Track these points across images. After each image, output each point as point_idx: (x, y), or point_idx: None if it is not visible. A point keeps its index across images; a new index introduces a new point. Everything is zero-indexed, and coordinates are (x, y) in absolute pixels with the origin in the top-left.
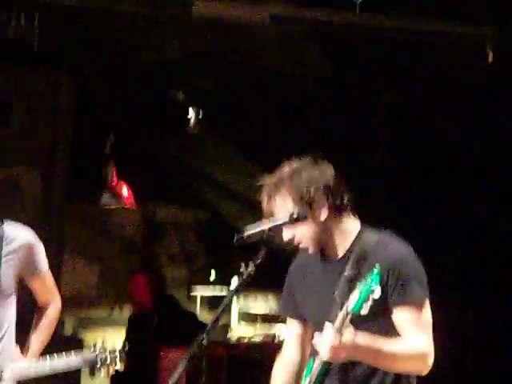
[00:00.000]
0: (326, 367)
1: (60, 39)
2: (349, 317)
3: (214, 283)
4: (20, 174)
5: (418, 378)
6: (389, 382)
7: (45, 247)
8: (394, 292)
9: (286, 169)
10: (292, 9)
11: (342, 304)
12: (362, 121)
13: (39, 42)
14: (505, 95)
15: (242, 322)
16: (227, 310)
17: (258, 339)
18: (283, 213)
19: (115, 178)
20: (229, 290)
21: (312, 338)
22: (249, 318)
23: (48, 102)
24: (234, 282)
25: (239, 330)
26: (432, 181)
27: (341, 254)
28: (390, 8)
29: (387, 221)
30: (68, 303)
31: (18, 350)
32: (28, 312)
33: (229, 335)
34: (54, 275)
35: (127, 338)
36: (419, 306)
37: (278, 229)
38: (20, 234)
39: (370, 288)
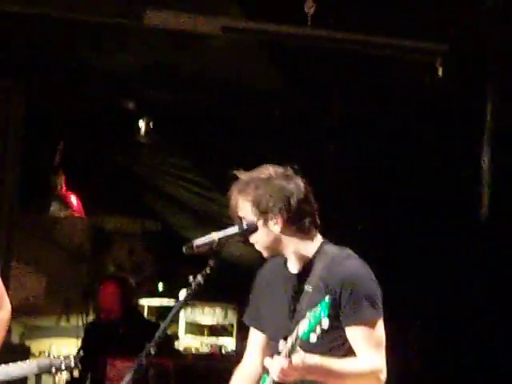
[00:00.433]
0: None
1: (9, 48)
2: (298, 342)
3: (162, 294)
4: None
5: None
6: None
7: None
8: (345, 309)
9: (258, 174)
10: (243, 20)
11: (296, 324)
12: (311, 132)
13: None
14: (453, 108)
15: (189, 333)
16: (175, 320)
17: (204, 350)
18: (242, 213)
19: (64, 188)
20: (177, 300)
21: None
22: (196, 329)
23: None
24: (183, 293)
25: (186, 341)
26: (382, 193)
27: (299, 267)
28: (341, 21)
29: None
30: (15, 312)
31: None
32: None
33: (176, 346)
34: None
35: (85, 346)
36: (370, 324)
37: (229, 239)
38: None
39: (318, 318)
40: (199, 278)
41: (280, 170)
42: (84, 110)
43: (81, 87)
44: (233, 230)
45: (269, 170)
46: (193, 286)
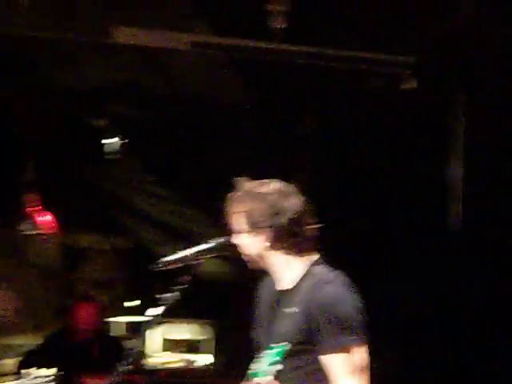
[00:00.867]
0: None
1: None
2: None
3: (135, 311)
4: None
5: None
6: None
7: None
8: (321, 338)
9: (258, 186)
10: (214, 36)
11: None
12: (286, 146)
13: None
14: (421, 120)
15: (163, 349)
16: (148, 336)
17: (178, 366)
18: (234, 221)
19: (36, 205)
20: (150, 316)
21: None
22: (170, 344)
23: None
24: (151, 310)
25: (160, 357)
26: (355, 203)
27: (289, 286)
28: (312, 36)
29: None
30: None
31: None
32: None
33: (149, 362)
34: None
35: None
36: (345, 351)
37: (201, 255)
38: None
39: (273, 362)
40: (172, 294)
41: (281, 185)
42: (55, 127)
43: (50, 104)
44: (205, 245)
45: (269, 185)
46: (167, 302)
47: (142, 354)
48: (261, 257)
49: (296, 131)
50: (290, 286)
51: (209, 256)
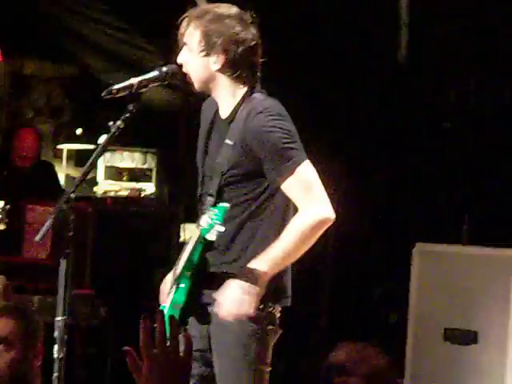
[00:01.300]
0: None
1: None
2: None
3: (81, 139)
4: None
5: None
6: None
7: None
8: (265, 168)
9: (218, 8)
10: None
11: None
12: None
13: None
14: None
15: (108, 178)
16: (94, 165)
17: (124, 193)
18: (187, 39)
19: None
20: (96, 145)
21: None
22: (115, 173)
23: None
24: (102, 138)
25: (105, 186)
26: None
27: (227, 114)
28: None
29: None
30: None
31: None
32: None
33: (95, 190)
34: None
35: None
36: (292, 173)
37: (149, 83)
38: None
39: (214, 224)
40: (119, 122)
41: (241, 12)
42: None
43: None
44: (152, 74)
45: (230, 9)
46: (112, 131)
47: (90, 182)
48: (207, 79)
49: None
50: (227, 114)
51: (156, 84)
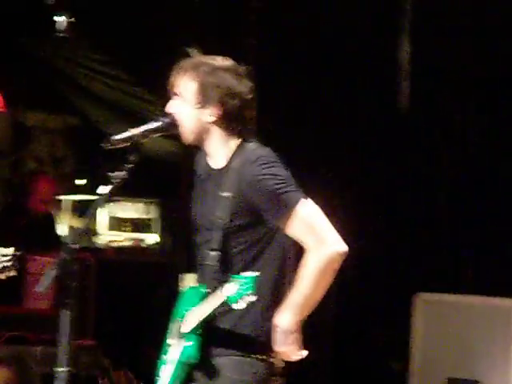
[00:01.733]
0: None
1: None
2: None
3: (83, 189)
4: None
5: None
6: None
7: None
8: (265, 215)
9: (214, 61)
10: None
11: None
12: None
13: None
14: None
15: (111, 229)
16: (96, 215)
17: (126, 244)
18: (180, 90)
19: None
20: (98, 195)
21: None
22: (118, 223)
23: None
24: (104, 188)
25: (108, 237)
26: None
27: (221, 164)
28: None
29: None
30: None
31: None
32: None
33: (97, 240)
34: None
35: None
36: (292, 213)
37: (150, 133)
38: None
39: (245, 291)
40: (120, 173)
41: (237, 66)
42: (3, 4)
43: None
44: (154, 124)
45: (224, 62)
46: (114, 181)
47: (93, 232)
48: (200, 131)
49: None
50: (220, 165)
51: (157, 134)
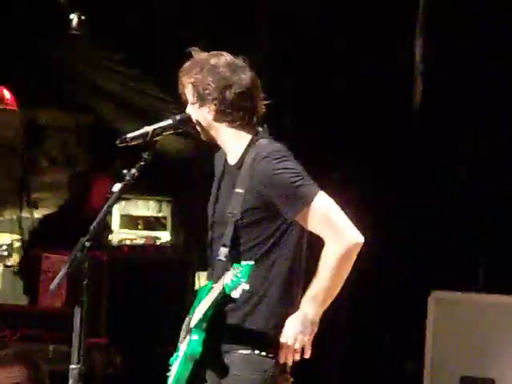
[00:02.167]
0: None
1: None
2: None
3: None
4: None
5: None
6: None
7: None
8: (280, 209)
9: (207, 58)
10: None
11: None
12: None
13: None
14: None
15: (123, 227)
16: (108, 213)
17: (139, 242)
18: (185, 93)
19: None
20: (115, 192)
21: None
22: (130, 222)
23: None
24: (116, 186)
25: (120, 235)
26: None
27: (234, 160)
28: None
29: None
30: None
31: None
32: None
33: (110, 238)
34: None
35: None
36: (308, 207)
37: (163, 131)
38: None
39: (239, 281)
40: (133, 170)
41: (230, 58)
42: (15, 4)
43: None
44: (166, 122)
45: (219, 57)
46: (127, 179)
47: (109, 230)
48: (208, 129)
49: None
50: (234, 161)
51: (170, 132)
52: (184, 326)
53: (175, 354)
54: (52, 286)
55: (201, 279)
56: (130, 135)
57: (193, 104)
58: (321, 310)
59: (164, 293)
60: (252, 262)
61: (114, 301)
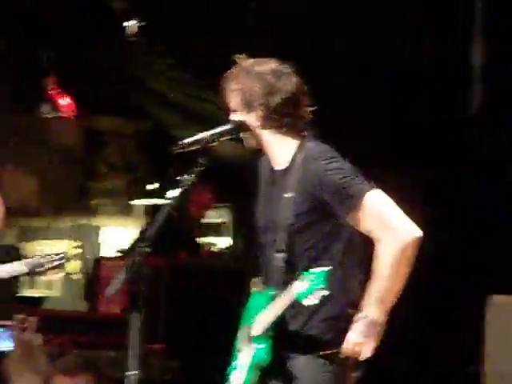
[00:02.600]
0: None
1: None
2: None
3: (155, 193)
4: None
5: None
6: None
7: None
8: (334, 207)
9: (253, 64)
10: None
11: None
12: None
13: None
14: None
15: None
16: (165, 219)
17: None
18: (229, 100)
19: (55, 88)
20: (168, 199)
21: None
22: None
23: None
24: (171, 193)
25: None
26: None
27: (282, 165)
28: None
29: None
30: (8, 214)
31: None
32: None
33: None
34: None
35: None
36: (361, 205)
37: (220, 137)
38: None
39: (316, 287)
40: (190, 176)
41: (276, 65)
42: (73, 10)
43: None
44: (223, 127)
45: (264, 63)
46: (184, 184)
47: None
48: (255, 135)
49: None
50: (282, 166)
51: (227, 137)
52: (242, 335)
53: (233, 363)
54: (108, 292)
55: (254, 285)
56: (186, 141)
57: (238, 111)
58: (384, 311)
59: (221, 299)
60: (326, 268)
61: (171, 307)
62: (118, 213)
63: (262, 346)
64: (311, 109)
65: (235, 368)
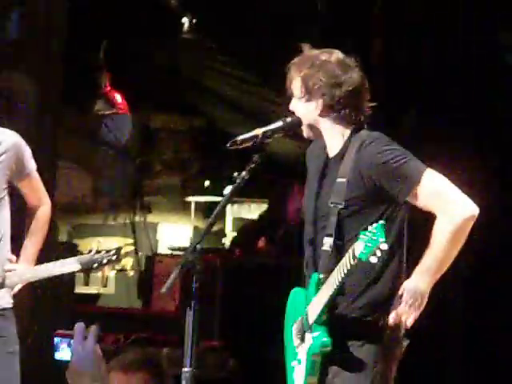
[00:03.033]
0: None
1: None
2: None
3: (209, 190)
4: (13, 82)
5: None
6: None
7: (38, 155)
8: (391, 189)
9: (319, 54)
10: None
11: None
12: None
13: None
14: None
15: (233, 229)
16: (221, 216)
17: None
18: (293, 86)
19: (109, 86)
20: (223, 196)
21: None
22: (240, 224)
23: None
24: (228, 189)
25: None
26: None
27: (335, 152)
28: None
29: None
30: (63, 211)
31: (12, 255)
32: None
33: (224, 241)
34: (48, 183)
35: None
36: (418, 184)
37: (273, 133)
38: (6, 137)
39: (377, 242)
40: (244, 173)
41: (342, 57)
42: (128, 8)
43: None
44: (277, 124)
45: (330, 54)
46: (238, 182)
47: (222, 233)
48: (312, 124)
49: None
50: (336, 153)
51: (281, 134)
52: (295, 330)
53: (291, 364)
54: (163, 289)
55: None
56: (240, 138)
57: (299, 98)
58: (432, 281)
59: (276, 296)
60: (382, 221)
61: (227, 304)
62: (173, 210)
63: (318, 333)
64: (371, 104)
65: (294, 367)
